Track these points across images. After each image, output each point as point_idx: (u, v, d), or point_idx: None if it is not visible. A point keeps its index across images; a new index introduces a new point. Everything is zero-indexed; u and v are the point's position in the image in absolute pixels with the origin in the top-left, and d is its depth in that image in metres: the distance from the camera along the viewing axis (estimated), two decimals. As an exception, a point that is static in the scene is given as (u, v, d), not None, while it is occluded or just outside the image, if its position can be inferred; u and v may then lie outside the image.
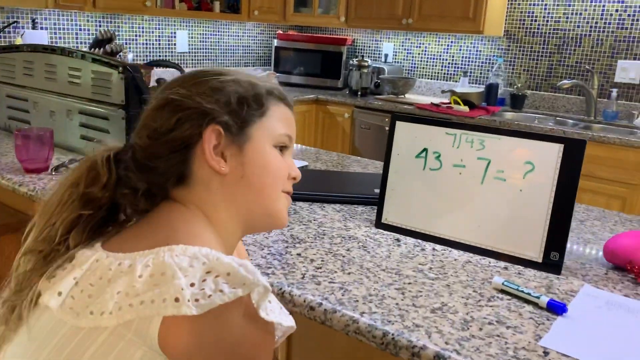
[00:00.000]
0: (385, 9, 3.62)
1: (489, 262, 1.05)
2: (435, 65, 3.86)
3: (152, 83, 1.78)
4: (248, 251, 1.03)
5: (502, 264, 1.05)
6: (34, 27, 2.70)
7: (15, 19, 2.66)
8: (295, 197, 1.33)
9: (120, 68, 1.52)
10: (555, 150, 1.03)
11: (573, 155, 1.01)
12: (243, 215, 0.75)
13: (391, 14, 3.60)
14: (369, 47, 4.17)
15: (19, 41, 2.35)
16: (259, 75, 0.80)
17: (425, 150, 1.13)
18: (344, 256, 1.03)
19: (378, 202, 1.18)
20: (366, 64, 3.73)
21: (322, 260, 1.00)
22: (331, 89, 3.96)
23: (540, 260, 1.03)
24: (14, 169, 1.46)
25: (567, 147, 1.02)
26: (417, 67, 3.95)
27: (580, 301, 0.92)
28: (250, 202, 0.75)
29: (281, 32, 4.14)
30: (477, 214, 1.09)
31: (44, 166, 1.45)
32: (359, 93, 3.73)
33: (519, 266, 1.04)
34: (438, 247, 1.11)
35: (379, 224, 1.19)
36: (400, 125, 1.15)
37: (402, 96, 3.67)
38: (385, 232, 1.17)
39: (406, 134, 1.15)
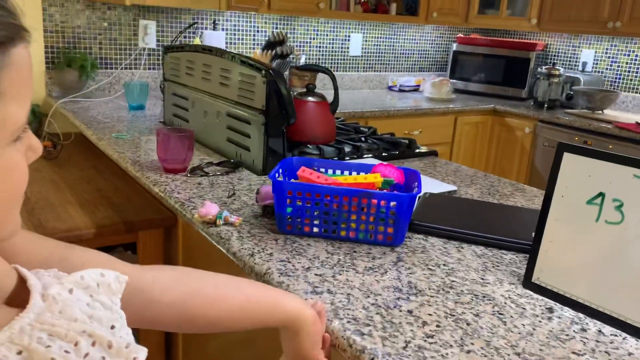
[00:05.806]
0: (588, 11, 3.11)
1: (686, 368, 0.73)
2: (647, 77, 3.22)
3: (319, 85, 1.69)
4: (350, 296, 0.85)
5: None
6: (214, 28, 2.83)
7: (195, 21, 2.82)
8: (429, 231, 1.12)
9: (263, 71, 1.45)
10: None
11: None
12: None
13: (594, 16, 3.08)
14: (564, 53, 3.65)
15: (196, 41, 2.47)
16: None
17: (601, 195, 0.83)
18: (469, 324, 0.80)
19: (530, 255, 0.92)
20: (557, 72, 3.26)
21: (437, 326, 0.79)
22: (513, 99, 3.55)
23: None
24: (155, 167, 1.48)
25: None
26: (623, 79, 3.34)
27: None
28: None
29: (462, 35, 3.84)
30: (673, 294, 0.76)
31: (182, 167, 1.44)
32: (546, 105, 3.28)
33: None
34: (606, 329, 0.81)
35: (527, 283, 0.92)
36: (569, 159, 0.87)
37: (600, 112, 3.13)
38: (535, 296, 0.89)
39: (577, 171, 0.86)
